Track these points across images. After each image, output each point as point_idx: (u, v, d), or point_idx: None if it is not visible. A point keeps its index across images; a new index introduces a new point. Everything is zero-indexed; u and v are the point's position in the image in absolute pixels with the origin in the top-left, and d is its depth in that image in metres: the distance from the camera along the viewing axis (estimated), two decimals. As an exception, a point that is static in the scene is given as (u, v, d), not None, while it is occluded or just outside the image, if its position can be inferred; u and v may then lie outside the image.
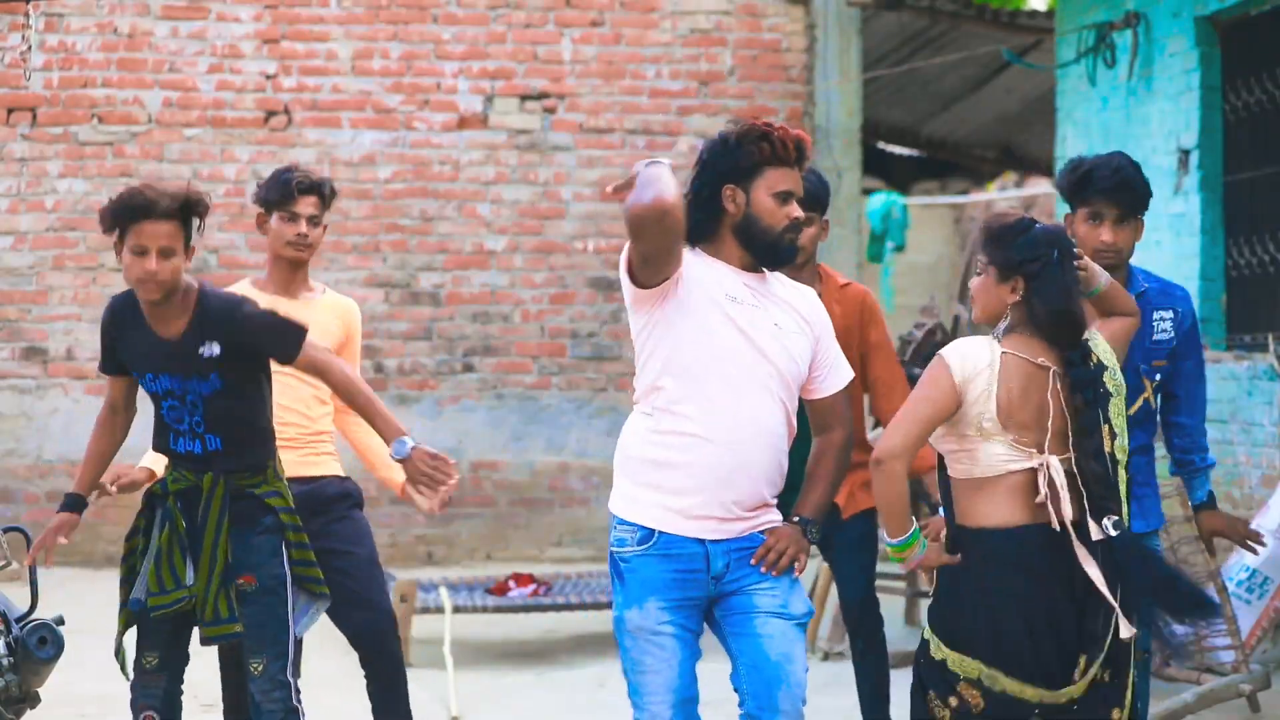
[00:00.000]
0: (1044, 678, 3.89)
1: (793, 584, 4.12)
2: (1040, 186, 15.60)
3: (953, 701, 3.94)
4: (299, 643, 4.57)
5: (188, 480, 4.45)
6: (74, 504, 4.60)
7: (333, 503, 5.15)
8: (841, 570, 5.47)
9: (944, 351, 4.01)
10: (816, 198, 5.16)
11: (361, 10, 10.29)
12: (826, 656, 7.41)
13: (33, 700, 4.70)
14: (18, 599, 4.92)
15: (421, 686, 6.46)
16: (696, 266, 4.10)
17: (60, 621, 4.73)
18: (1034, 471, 3.92)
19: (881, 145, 15.14)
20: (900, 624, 7.96)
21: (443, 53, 10.34)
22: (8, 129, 10.05)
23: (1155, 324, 4.73)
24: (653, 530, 4.06)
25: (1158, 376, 4.75)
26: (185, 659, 4.53)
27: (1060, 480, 3.91)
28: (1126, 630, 3.91)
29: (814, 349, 4.18)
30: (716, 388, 4.04)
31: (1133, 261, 4.80)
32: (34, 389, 10.07)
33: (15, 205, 10.06)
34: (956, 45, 11.61)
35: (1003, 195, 16.55)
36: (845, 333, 4.98)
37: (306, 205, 5.20)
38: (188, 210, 4.37)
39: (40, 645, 4.61)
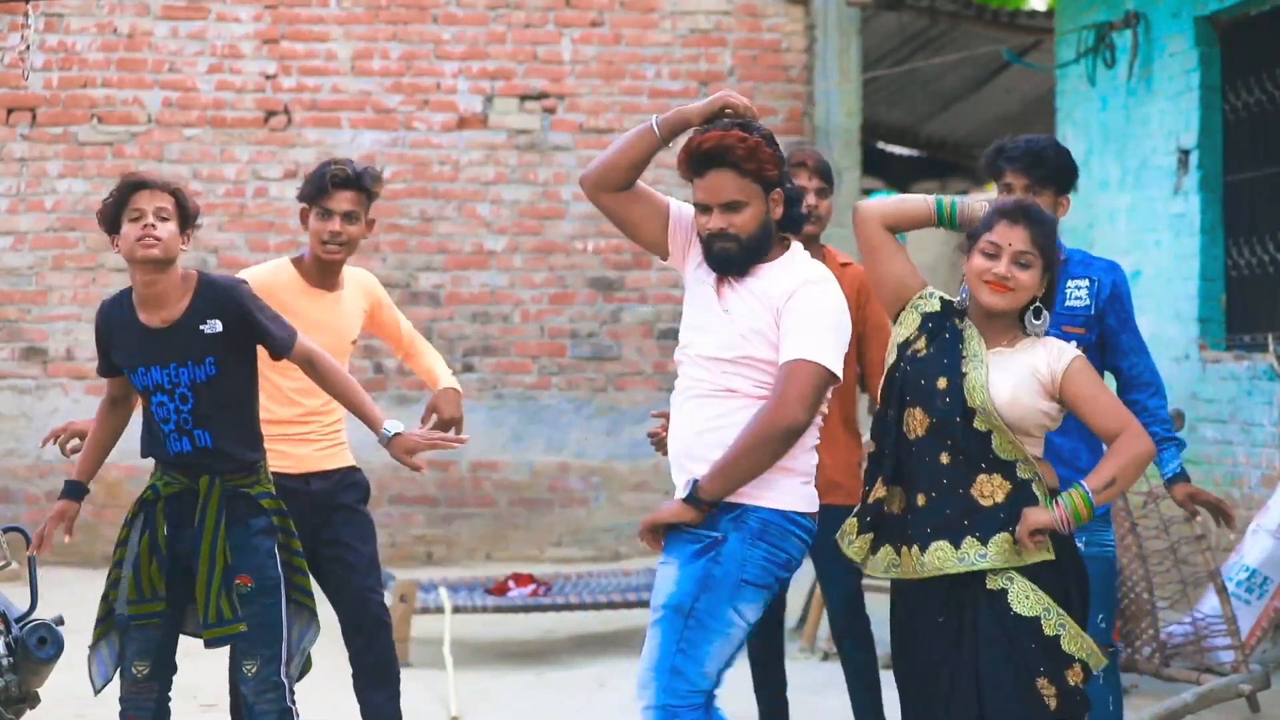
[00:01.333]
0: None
1: None
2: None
3: (1071, 680, 3.91)
4: (304, 650, 4.58)
5: (181, 483, 4.45)
6: (74, 491, 4.60)
7: (345, 496, 5.18)
8: (828, 568, 5.20)
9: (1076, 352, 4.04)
10: (826, 172, 5.27)
11: (361, 10, 10.28)
12: (826, 656, 7.39)
13: (33, 700, 4.70)
14: (18, 599, 4.91)
15: (421, 686, 6.44)
16: None
17: (60, 621, 4.72)
18: None
19: (881, 145, 15.14)
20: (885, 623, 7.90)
21: (442, 53, 10.34)
22: (8, 129, 10.04)
23: (1068, 291, 4.68)
24: None
25: (1074, 341, 4.42)
26: (174, 668, 4.54)
27: None
28: None
29: None
30: None
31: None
32: (34, 389, 10.07)
33: (15, 205, 10.06)
34: (956, 45, 11.61)
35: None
36: None
37: (342, 201, 5.06)
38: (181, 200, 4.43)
39: (40, 645, 4.61)
